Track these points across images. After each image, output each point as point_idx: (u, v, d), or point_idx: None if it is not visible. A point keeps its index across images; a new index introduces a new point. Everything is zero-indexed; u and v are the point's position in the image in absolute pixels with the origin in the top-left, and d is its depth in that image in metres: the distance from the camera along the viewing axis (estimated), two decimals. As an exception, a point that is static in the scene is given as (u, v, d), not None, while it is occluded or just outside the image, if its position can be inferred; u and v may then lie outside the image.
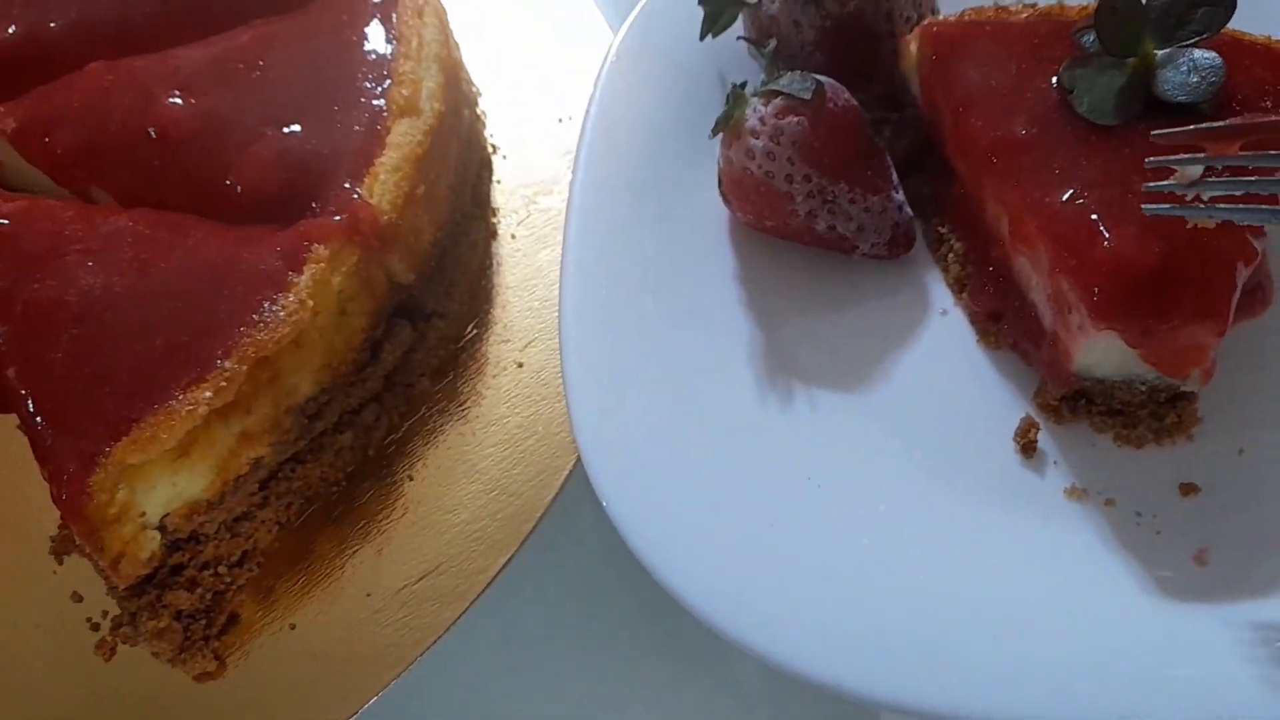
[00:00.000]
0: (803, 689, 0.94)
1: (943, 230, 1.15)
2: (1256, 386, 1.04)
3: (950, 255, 1.14)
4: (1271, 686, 0.87)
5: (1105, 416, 1.04)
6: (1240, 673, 0.88)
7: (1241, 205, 0.89)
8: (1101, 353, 0.99)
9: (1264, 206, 0.88)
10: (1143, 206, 0.91)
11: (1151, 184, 0.92)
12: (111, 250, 1.07)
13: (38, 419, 1.00)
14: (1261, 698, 0.87)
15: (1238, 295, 0.95)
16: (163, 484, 1.02)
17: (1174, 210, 0.90)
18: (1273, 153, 0.87)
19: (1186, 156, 0.90)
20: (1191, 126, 0.90)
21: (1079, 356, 1.00)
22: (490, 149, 1.33)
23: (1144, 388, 1.01)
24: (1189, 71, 1.00)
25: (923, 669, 0.92)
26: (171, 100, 1.17)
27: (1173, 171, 0.91)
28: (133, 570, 1.02)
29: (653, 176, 1.20)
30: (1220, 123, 0.90)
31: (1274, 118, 0.90)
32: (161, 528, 1.04)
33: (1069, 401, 1.04)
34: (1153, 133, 0.92)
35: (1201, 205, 0.90)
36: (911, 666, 0.92)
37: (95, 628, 1.08)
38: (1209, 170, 0.90)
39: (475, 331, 1.21)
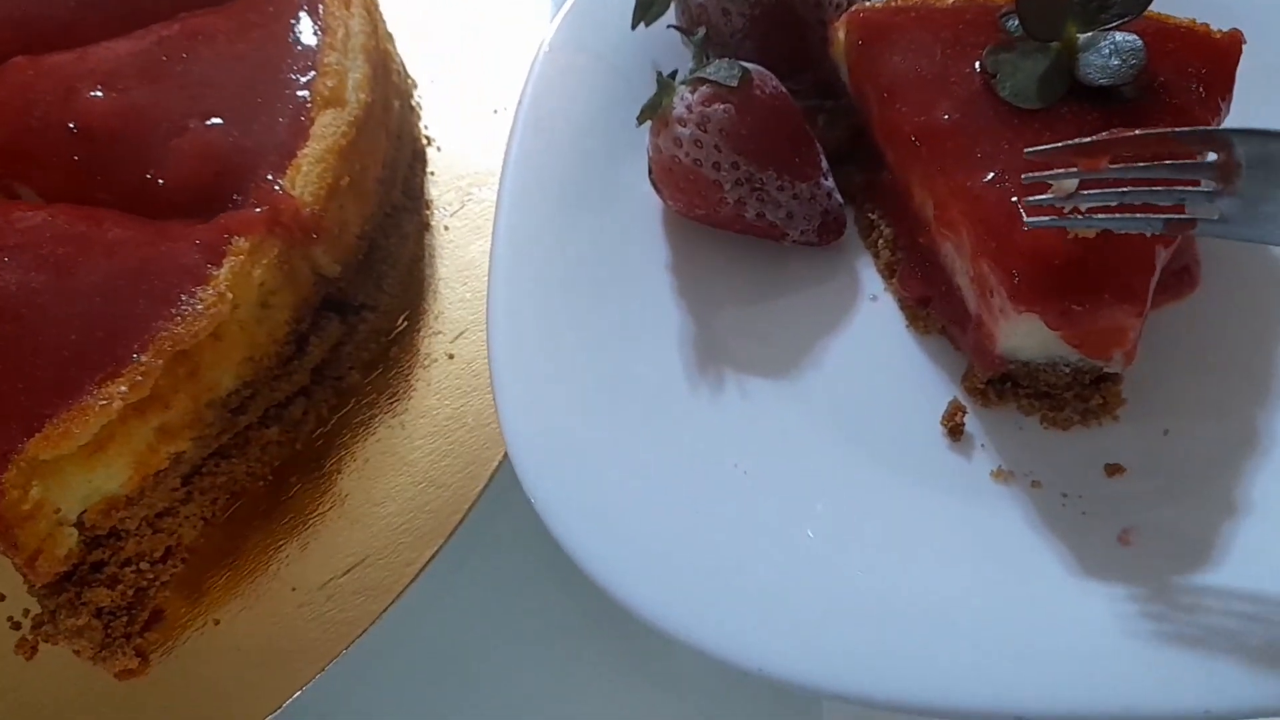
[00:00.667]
0: (738, 676, 0.93)
1: (873, 216, 1.15)
2: (1183, 368, 1.04)
3: (880, 241, 1.14)
4: (1192, 666, 0.87)
5: (1032, 399, 1.04)
6: (1162, 653, 0.88)
7: (1117, 215, 0.90)
8: (1024, 335, 0.98)
9: (1138, 215, 0.90)
10: (1024, 221, 0.92)
11: (1031, 198, 0.92)
12: (29, 247, 1.06)
13: (-50, 417, 0.99)
14: (1182, 677, 0.87)
15: (1156, 278, 0.95)
16: (78, 480, 1.00)
17: (1055, 222, 0.91)
18: (1138, 165, 0.90)
19: (1061, 171, 0.91)
20: (1060, 144, 0.92)
21: (1002, 339, 0.99)
22: (425, 140, 1.32)
23: (1068, 370, 1.01)
24: (1110, 54, 1.00)
25: (850, 653, 0.91)
26: (94, 95, 1.16)
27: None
28: (50, 568, 1.00)
29: (584, 166, 1.20)
30: (1087, 139, 0.91)
31: (1136, 132, 0.91)
32: (79, 524, 1.03)
33: (995, 385, 1.04)
34: (1026, 150, 0.93)
35: (1080, 216, 0.91)
36: (841, 651, 0.92)
37: (16, 626, 1.07)
38: (1084, 183, 0.91)
39: (406, 324, 1.20)
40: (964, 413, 1.04)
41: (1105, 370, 1.01)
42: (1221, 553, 0.94)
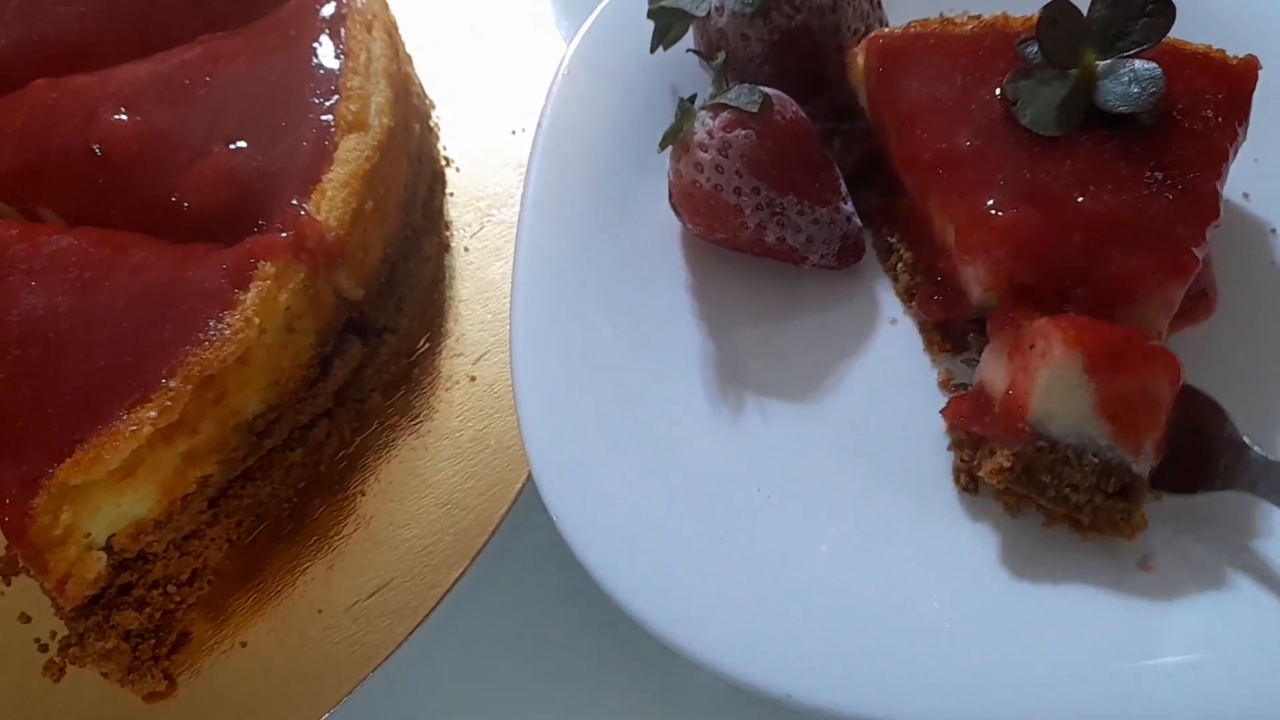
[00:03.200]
0: (760, 703, 0.94)
1: (892, 240, 1.16)
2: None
3: (899, 265, 1.15)
4: (1219, 688, 0.88)
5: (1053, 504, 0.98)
6: (1196, 678, 0.90)
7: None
8: (1059, 399, 0.93)
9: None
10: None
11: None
12: (55, 270, 1.06)
13: (-22, 443, 0.99)
14: (1209, 700, 0.88)
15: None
16: (108, 505, 1.01)
17: None
18: None
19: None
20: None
21: (1035, 402, 0.94)
22: (443, 162, 1.33)
23: (1095, 462, 0.95)
24: (1130, 82, 1.01)
25: (877, 680, 0.93)
26: (116, 117, 1.17)
27: None
28: (79, 591, 1.01)
29: (604, 189, 1.20)
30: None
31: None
32: (108, 548, 1.03)
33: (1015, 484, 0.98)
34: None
35: None
36: (866, 678, 0.93)
37: (44, 649, 1.07)
38: None
39: (427, 346, 1.20)
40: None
41: (1133, 470, 0.95)
42: (1241, 579, 0.96)
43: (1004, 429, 0.96)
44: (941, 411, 1.05)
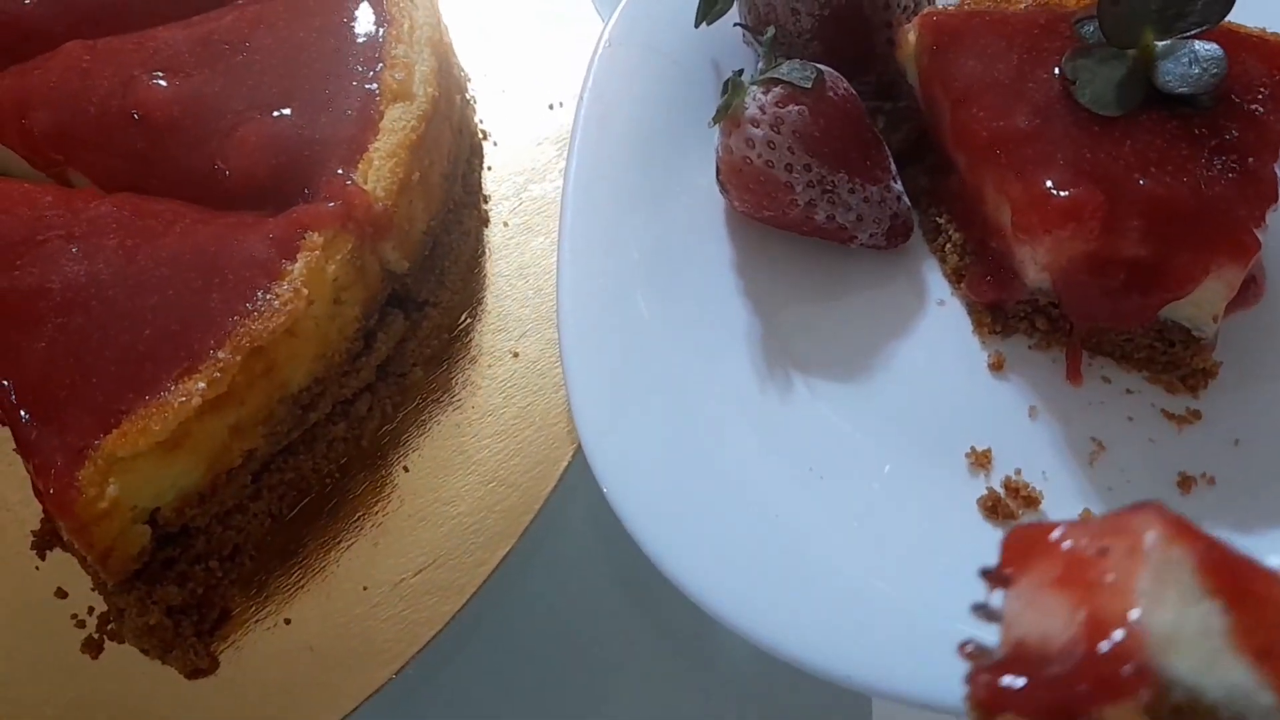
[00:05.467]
0: (796, 680, 0.93)
1: (940, 221, 1.15)
2: (1254, 378, 1.05)
3: (948, 246, 1.14)
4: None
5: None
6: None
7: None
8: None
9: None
10: None
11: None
12: (95, 236, 1.03)
13: (21, 412, 0.97)
14: None
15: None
16: (154, 477, 0.99)
17: None
18: None
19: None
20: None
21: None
22: (481, 135, 1.31)
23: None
24: (1190, 63, 1.00)
25: (926, 661, 0.91)
26: (154, 81, 1.14)
27: None
28: (123, 566, 0.99)
29: (648, 164, 1.19)
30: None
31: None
32: (152, 521, 1.01)
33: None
34: None
35: None
36: (915, 658, 0.92)
37: (81, 624, 1.05)
38: None
39: (469, 321, 1.19)
40: None
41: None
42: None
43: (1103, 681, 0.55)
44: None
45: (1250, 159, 1.00)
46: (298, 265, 1.01)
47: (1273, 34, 1.06)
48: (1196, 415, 1.03)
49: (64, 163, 1.15)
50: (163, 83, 1.13)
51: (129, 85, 1.13)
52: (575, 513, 1.13)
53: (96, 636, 1.04)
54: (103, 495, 0.94)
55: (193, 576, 1.04)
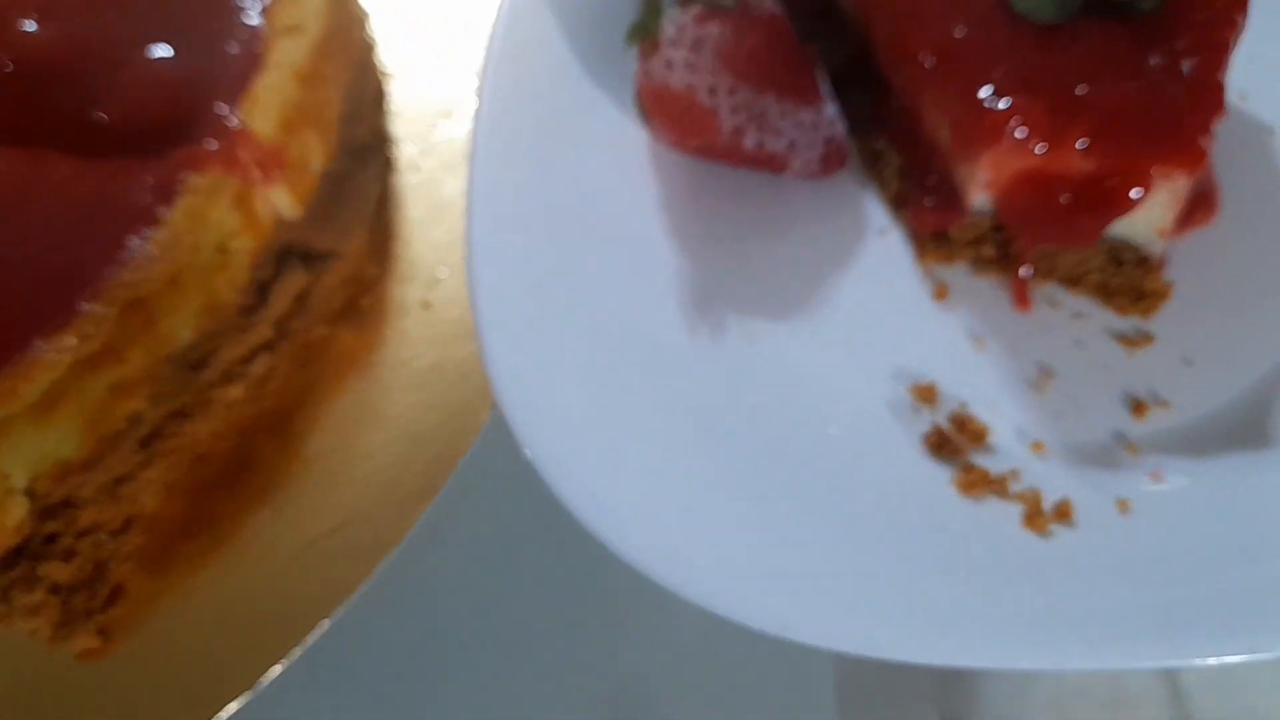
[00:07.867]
0: (739, 638, 0.88)
1: (878, 146, 1.09)
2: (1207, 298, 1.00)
3: (888, 171, 1.08)
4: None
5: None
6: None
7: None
8: None
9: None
10: None
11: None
12: (-34, 192, 0.95)
13: (-118, 378, 0.89)
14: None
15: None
16: (27, 443, 0.92)
17: None
18: None
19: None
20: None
21: None
22: (382, 73, 1.23)
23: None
24: (1131, -34, 0.95)
25: (876, 613, 0.87)
26: (28, 27, 1.06)
27: None
28: (0, 541, 0.91)
29: (566, 99, 1.11)
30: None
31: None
32: (30, 492, 0.94)
33: None
34: None
35: None
36: (865, 611, 0.87)
37: (-38, 608, 0.98)
38: None
39: (376, 271, 1.11)
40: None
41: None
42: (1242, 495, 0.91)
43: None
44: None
45: (1196, 67, 0.95)
46: (176, 211, 0.93)
47: (1221, -62, 1.00)
48: (1148, 338, 0.99)
49: (-72, 115, 1.06)
50: (36, 27, 1.05)
51: (0, 31, 1.04)
52: (497, 467, 1.06)
53: (-22, 621, 0.96)
54: (-29, 464, 0.86)
55: (80, 551, 0.97)
